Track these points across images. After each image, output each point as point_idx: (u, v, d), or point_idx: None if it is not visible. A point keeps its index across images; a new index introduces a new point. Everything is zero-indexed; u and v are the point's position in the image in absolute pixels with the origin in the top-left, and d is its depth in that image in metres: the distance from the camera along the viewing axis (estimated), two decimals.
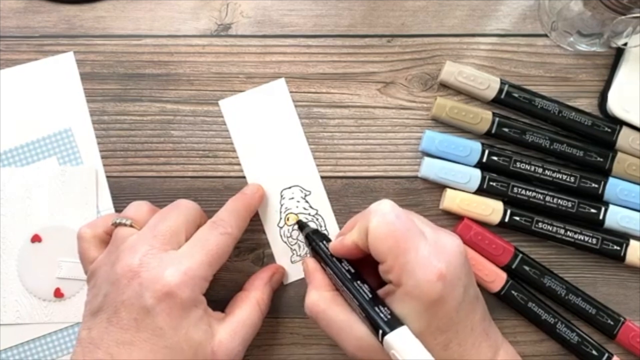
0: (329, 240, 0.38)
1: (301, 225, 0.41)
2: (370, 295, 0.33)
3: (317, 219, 0.42)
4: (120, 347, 0.32)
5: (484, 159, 0.40)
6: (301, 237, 0.41)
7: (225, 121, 0.42)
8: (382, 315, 0.31)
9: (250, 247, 0.42)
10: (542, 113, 0.40)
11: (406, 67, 0.42)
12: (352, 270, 0.35)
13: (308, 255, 0.40)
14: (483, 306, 0.35)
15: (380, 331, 0.31)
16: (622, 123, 0.40)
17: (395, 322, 0.31)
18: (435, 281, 0.31)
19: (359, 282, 0.34)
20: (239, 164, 0.42)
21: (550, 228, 0.40)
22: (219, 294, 0.40)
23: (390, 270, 0.32)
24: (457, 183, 0.40)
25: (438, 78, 0.41)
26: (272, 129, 0.42)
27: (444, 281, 0.31)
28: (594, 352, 0.40)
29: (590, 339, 0.40)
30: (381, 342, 0.31)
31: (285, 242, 0.42)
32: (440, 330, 0.32)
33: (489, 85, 0.40)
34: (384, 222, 0.32)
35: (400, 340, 0.30)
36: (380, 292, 0.33)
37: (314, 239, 0.38)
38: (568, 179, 0.40)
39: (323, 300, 0.34)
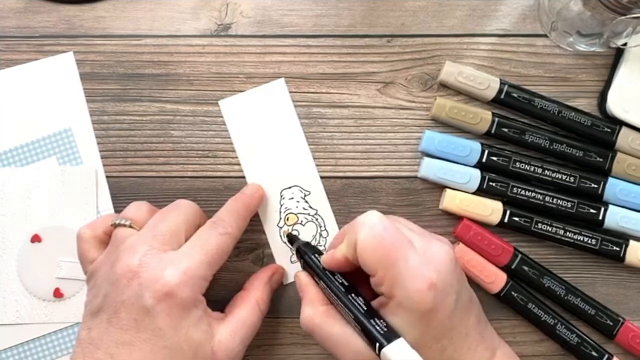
0: (320, 253, 0.37)
1: (291, 239, 0.40)
2: (365, 308, 0.32)
3: (316, 219, 0.42)
4: (120, 348, 0.32)
5: (484, 159, 0.40)
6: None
7: (225, 121, 0.42)
8: (378, 327, 0.31)
9: (250, 247, 0.42)
10: (541, 113, 0.40)
11: (406, 67, 0.42)
12: (346, 283, 0.34)
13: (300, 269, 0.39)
14: (477, 308, 0.35)
15: (377, 344, 0.30)
16: (621, 123, 0.40)
17: (391, 334, 0.30)
18: (426, 291, 0.31)
19: (353, 295, 0.33)
20: (238, 164, 0.42)
21: (549, 228, 0.40)
22: (219, 294, 0.41)
23: (381, 282, 0.32)
24: (456, 183, 0.40)
25: (438, 78, 0.41)
26: (271, 129, 0.42)
27: (434, 290, 0.31)
28: (594, 353, 0.40)
29: (590, 340, 0.40)
30: (378, 354, 0.30)
31: (285, 242, 0.41)
32: (435, 338, 0.32)
33: (489, 85, 0.40)
34: (371, 234, 0.32)
35: (397, 352, 0.30)
36: (374, 303, 0.33)
37: (306, 252, 0.38)
38: (567, 179, 0.40)
39: (318, 315, 0.34)
